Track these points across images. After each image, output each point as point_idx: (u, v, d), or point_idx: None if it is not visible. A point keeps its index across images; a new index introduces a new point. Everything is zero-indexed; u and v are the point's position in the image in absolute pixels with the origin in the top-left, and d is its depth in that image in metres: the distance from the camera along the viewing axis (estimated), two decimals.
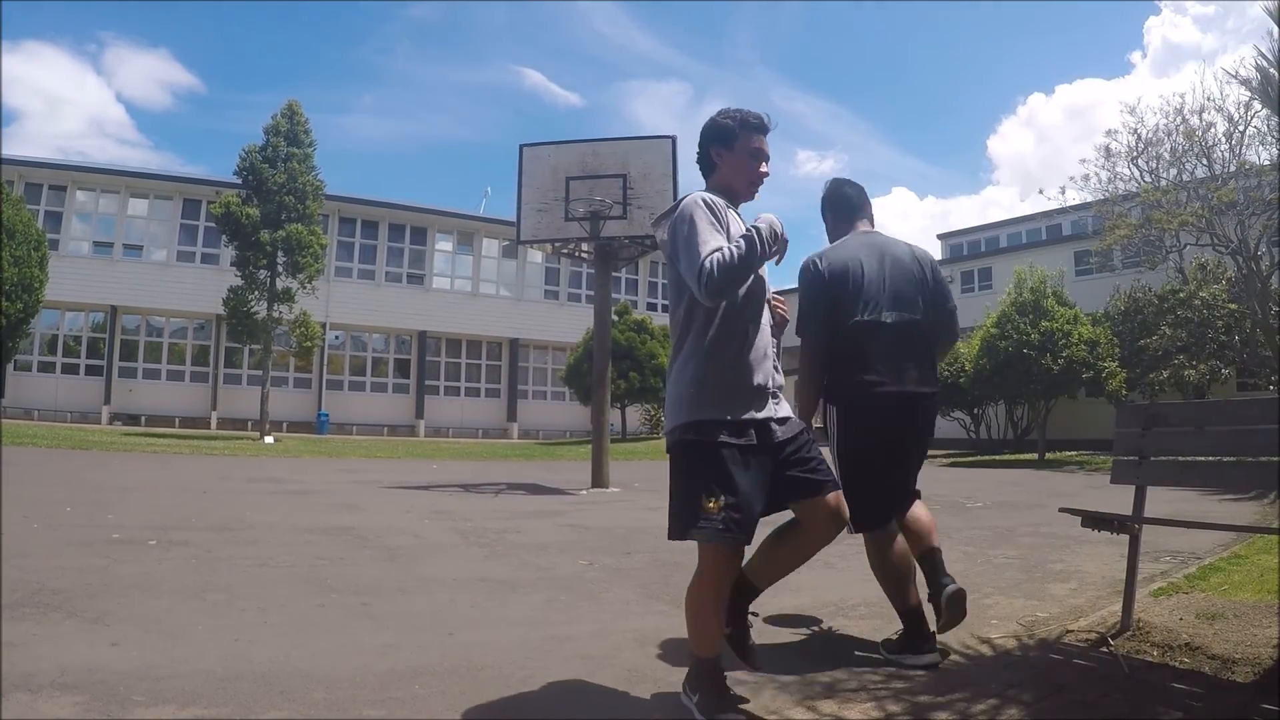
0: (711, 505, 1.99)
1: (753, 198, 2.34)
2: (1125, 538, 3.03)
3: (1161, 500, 7.27)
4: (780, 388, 2.26)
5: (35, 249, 16.51)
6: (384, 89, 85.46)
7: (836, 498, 2.23)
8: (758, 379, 2.15)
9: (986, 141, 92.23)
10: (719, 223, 2.12)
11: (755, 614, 2.38)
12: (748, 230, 2.08)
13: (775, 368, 2.27)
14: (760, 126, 2.28)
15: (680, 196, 2.22)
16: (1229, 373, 19.27)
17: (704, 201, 2.15)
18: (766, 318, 2.27)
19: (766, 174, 2.31)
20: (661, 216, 2.28)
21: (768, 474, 2.12)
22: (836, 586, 4.05)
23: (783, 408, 2.23)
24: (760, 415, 2.13)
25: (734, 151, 2.28)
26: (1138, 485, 3.18)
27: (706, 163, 2.32)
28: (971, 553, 5.20)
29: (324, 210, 20.93)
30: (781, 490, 2.16)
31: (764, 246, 2.05)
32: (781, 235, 2.11)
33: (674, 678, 2.49)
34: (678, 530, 2.08)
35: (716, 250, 2.02)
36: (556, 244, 10.59)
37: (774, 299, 2.35)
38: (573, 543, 5.34)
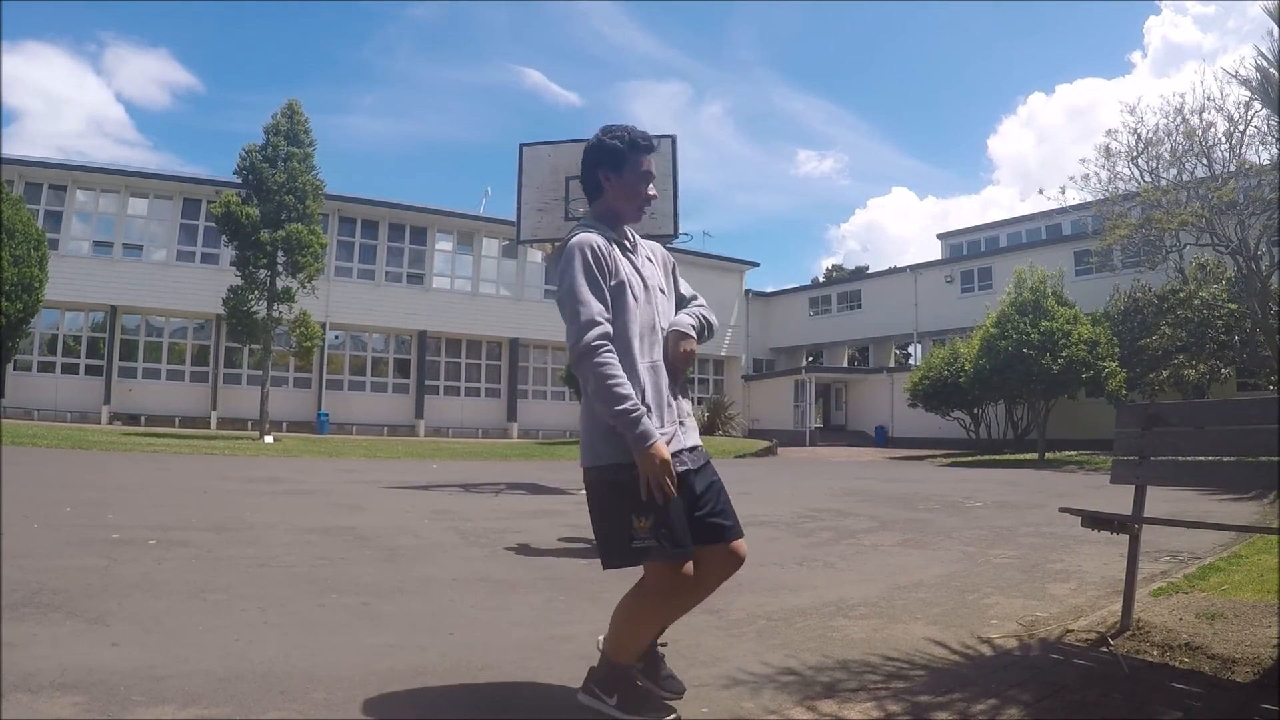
0: (641, 524, 1.97)
1: (639, 220, 2.26)
2: (1125, 538, 3.03)
3: (1161, 500, 7.28)
4: (688, 415, 2.20)
5: (35, 249, 16.49)
6: (384, 89, 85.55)
7: (741, 546, 2.17)
8: (667, 416, 2.10)
9: (986, 141, 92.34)
10: (604, 273, 2.06)
11: (665, 644, 2.34)
12: (635, 410, 1.96)
13: (680, 395, 2.20)
14: (648, 146, 2.21)
15: (573, 231, 2.14)
16: (1229, 373, 19.29)
17: (589, 252, 2.06)
18: (663, 346, 2.18)
19: (654, 196, 2.24)
20: (559, 248, 2.21)
21: (684, 502, 2.07)
22: (836, 586, 4.05)
23: (690, 436, 2.17)
24: (673, 448, 2.08)
25: (622, 175, 2.19)
26: (1138, 485, 3.19)
27: (593, 186, 2.23)
28: (971, 553, 5.20)
29: (324, 210, 20.90)
30: (696, 529, 2.09)
31: (627, 427, 1.97)
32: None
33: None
34: (612, 557, 2.05)
35: (602, 324, 2.00)
36: (556, 244, 10.58)
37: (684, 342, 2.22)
38: (572, 543, 5.34)
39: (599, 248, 2.07)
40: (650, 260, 2.25)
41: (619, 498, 2.02)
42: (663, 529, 1.98)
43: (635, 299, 2.11)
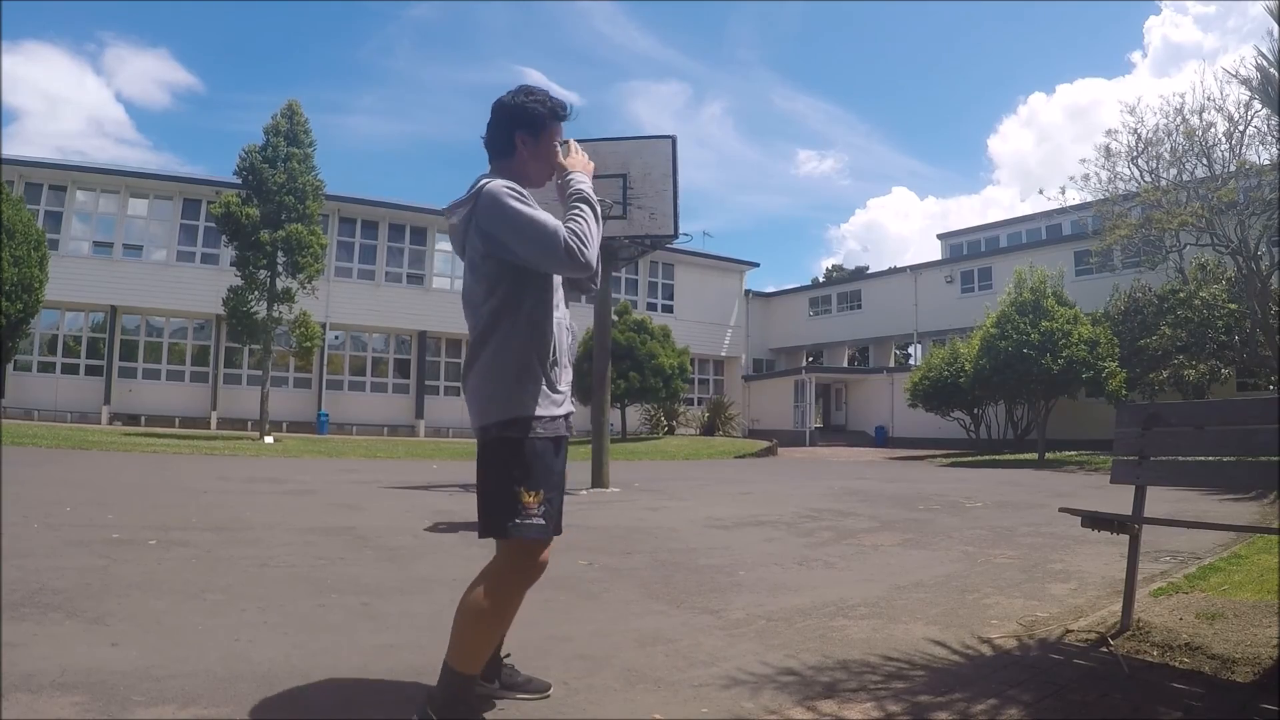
0: (530, 499, 1.93)
1: (541, 187, 2.22)
2: (1125, 538, 3.03)
3: (1161, 500, 7.29)
4: (570, 383, 2.19)
5: (35, 249, 16.48)
6: (384, 89, 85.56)
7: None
8: (566, 372, 2.11)
9: (987, 141, 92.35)
10: (531, 200, 2.04)
11: (508, 654, 2.28)
12: (580, 193, 2.09)
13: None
14: (566, 116, 2.19)
15: (478, 184, 2.06)
16: (1229, 373, 19.28)
17: (516, 189, 2.02)
18: (563, 301, 2.19)
19: (559, 162, 2.22)
20: (457, 204, 2.12)
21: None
22: (836, 586, 4.05)
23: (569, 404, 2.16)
24: (566, 410, 2.10)
25: (539, 140, 2.16)
26: (1138, 485, 3.19)
27: (505, 145, 2.15)
28: (971, 553, 5.20)
29: (324, 210, 20.90)
30: None
31: (596, 208, 2.06)
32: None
33: (675, 678, 2.50)
34: (494, 527, 1.97)
35: (559, 227, 1.96)
36: None
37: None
38: (572, 543, 5.34)
39: (515, 188, 2.03)
40: None
41: (508, 459, 1.97)
42: (550, 506, 1.96)
43: None
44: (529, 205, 1.99)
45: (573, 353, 2.19)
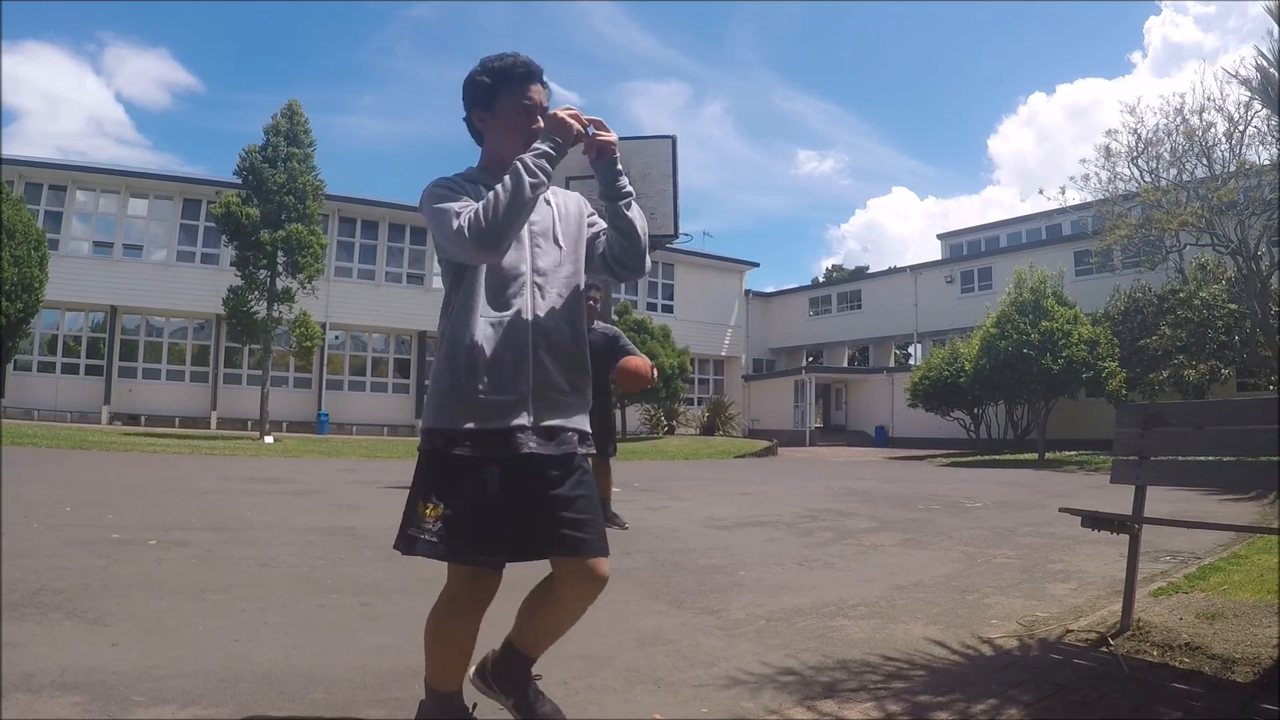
0: (428, 512, 1.76)
1: None
2: (1125, 538, 3.03)
3: (1161, 500, 7.29)
4: (563, 392, 1.85)
5: (35, 249, 16.49)
6: (384, 89, 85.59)
7: (600, 565, 1.82)
8: (517, 382, 1.78)
9: (987, 141, 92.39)
10: (454, 191, 1.82)
11: (539, 675, 2.05)
12: (513, 164, 1.74)
13: (556, 356, 1.85)
14: (526, 75, 1.86)
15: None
16: (1229, 373, 19.29)
17: (434, 184, 1.85)
18: (533, 299, 1.84)
19: (540, 127, 1.85)
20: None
21: (526, 495, 1.77)
22: (836, 586, 4.05)
23: (558, 414, 1.83)
24: (503, 424, 1.77)
25: (495, 115, 1.89)
26: (1138, 485, 3.19)
27: (473, 131, 1.96)
28: (971, 553, 5.20)
29: (324, 210, 20.90)
30: (543, 536, 1.79)
31: (530, 169, 1.72)
32: (562, 140, 1.78)
33: (674, 678, 2.50)
34: (398, 540, 1.83)
35: (465, 208, 1.74)
36: None
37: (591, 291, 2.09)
38: None
39: (448, 181, 1.86)
40: (548, 204, 1.93)
41: (418, 472, 1.84)
42: (450, 524, 1.73)
43: None
44: (446, 194, 1.80)
45: (564, 341, 1.86)
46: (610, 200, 1.88)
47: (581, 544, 1.78)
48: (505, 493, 1.74)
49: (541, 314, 1.83)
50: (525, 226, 1.83)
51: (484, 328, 1.78)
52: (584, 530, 1.79)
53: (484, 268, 1.80)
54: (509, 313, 1.80)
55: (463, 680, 1.89)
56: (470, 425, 1.75)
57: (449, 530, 1.73)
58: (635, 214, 1.88)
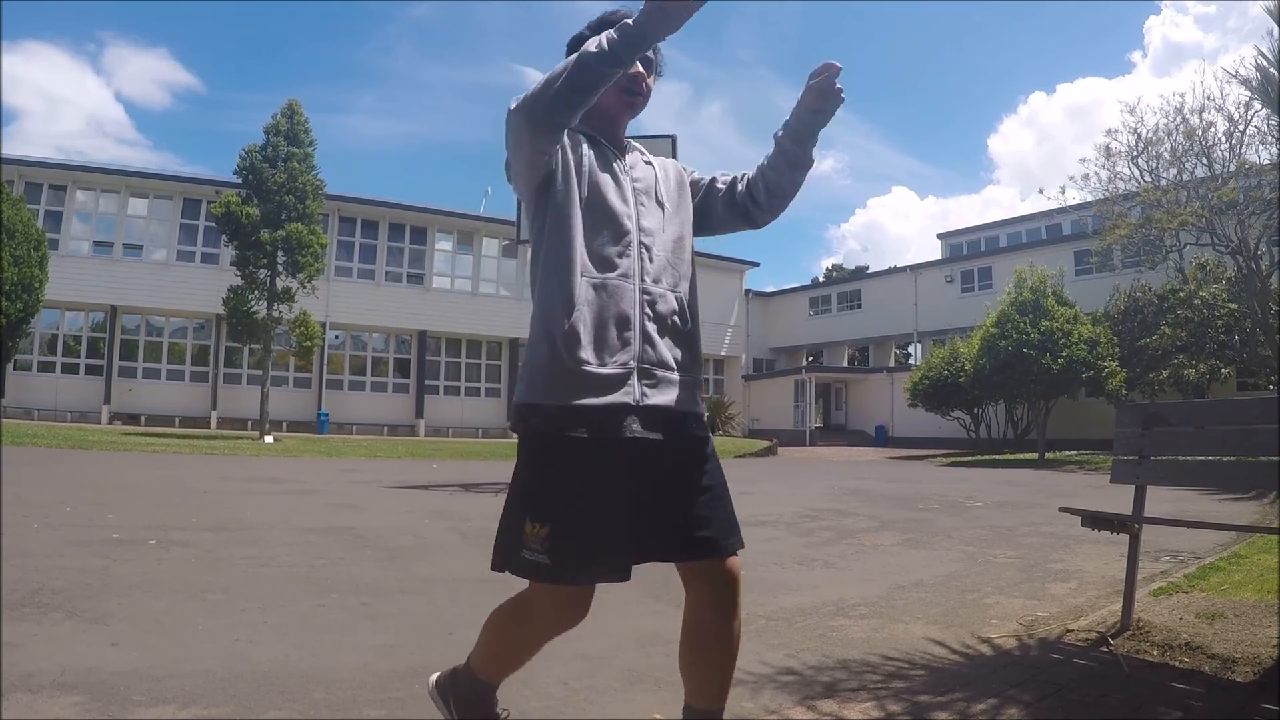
0: (534, 530, 1.49)
1: (636, 110, 1.71)
2: (1125, 538, 3.03)
3: (1161, 500, 7.29)
4: (670, 369, 1.60)
5: (35, 249, 16.50)
6: (384, 89, 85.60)
7: (733, 564, 1.59)
8: (620, 353, 1.54)
9: (987, 141, 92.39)
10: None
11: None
12: (608, 36, 1.45)
13: (662, 328, 1.61)
14: (611, 21, 1.57)
15: None
16: (1229, 372, 19.29)
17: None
18: (640, 261, 1.61)
19: (640, 75, 1.64)
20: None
21: (637, 487, 1.52)
22: (836, 586, 4.05)
23: (670, 393, 1.58)
24: (609, 400, 1.51)
25: None
26: (1138, 485, 3.19)
27: None
28: (971, 553, 5.20)
29: (324, 210, 20.90)
30: (656, 537, 1.55)
31: (612, 47, 1.42)
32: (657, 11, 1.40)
33: (674, 678, 2.48)
34: (496, 559, 1.56)
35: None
36: None
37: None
38: None
39: None
40: (648, 165, 1.73)
41: (520, 467, 1.57)
42: (559, 541, 1.47)
43: (594, 189, 1.59)
44: None
45: (649, 326, 1.59)
46: (805, 140, 1.73)
47: (703, 544, 1.56)
48: (618, 486, 1.50)
49: (649, 279, 1.61)
50: (629, 183, 1.65)
51: (585, 290, 1.54)
52: (706, 528, 1.56)
53: (581, 218, 1.56)
54: (613, 274, 1.57)
55: (504, 679, 1.78)
56: (573, 401, 1.50)
57: (557, 542, 1.47)
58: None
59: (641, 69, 1.65)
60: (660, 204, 1.69)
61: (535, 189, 1.60)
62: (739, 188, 1.81)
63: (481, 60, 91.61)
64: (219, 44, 74.12)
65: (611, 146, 1.69)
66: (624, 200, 1.63)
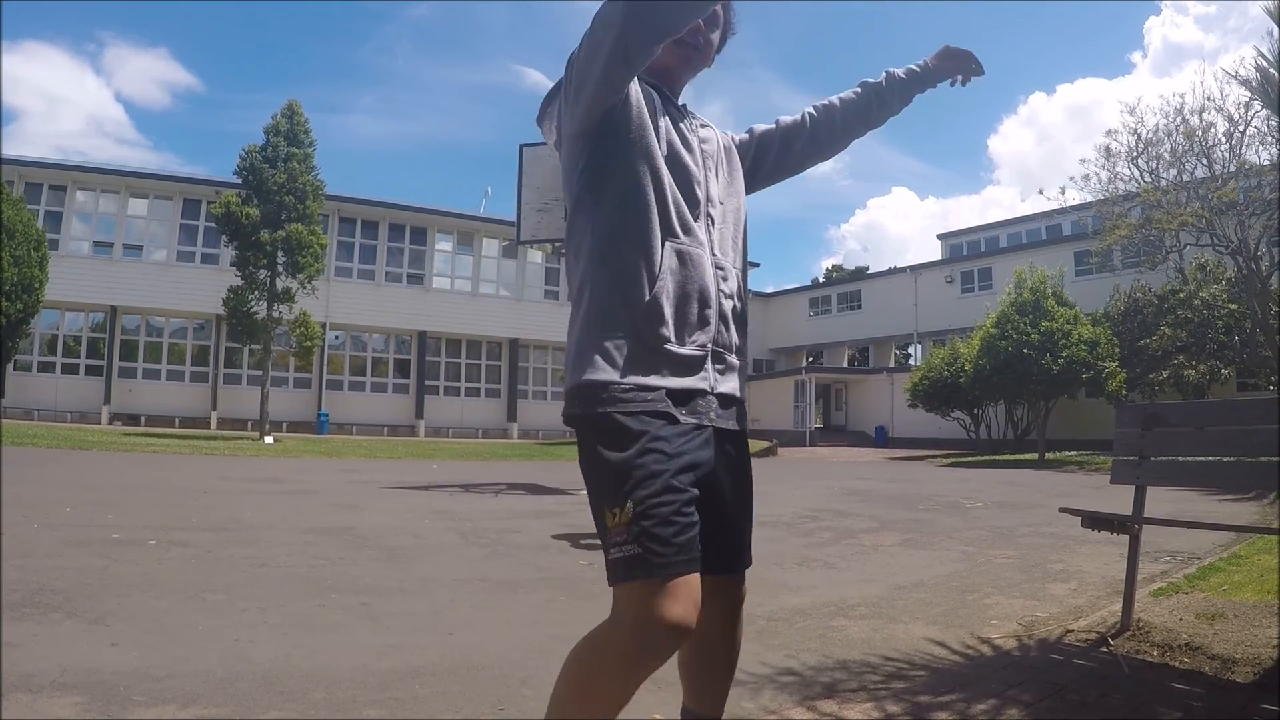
0: (612, 519, 1.23)
1: (694, 67, 1.52)
2: (1125, 538, 3.03)
3: (1161, 500, 7.29)
4: (736, 349, 1.45)
5: (35, 249, 16.51)
6: (384, 89, 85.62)
7: (742, 580, 1.48)
8: (700, 334, 1.36)
9: (987, 141, 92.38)
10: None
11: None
12: None
13: (728, 314, 1.43)
14: None
15: None
16: (1229, 373, 19.29)
17: None
18: (707, 229, 1.42)
19: (699, 28, 1.46)
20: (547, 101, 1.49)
21: (706, 483, 1.32)
22: (836, 586, 4.05)
23: (733, 380, 1.43)
24: (687, 383, 1.33)
25: None
26: (1138, 485, 3.18)
27: None
28: (971, 553, 5.20)
29: (324, 210, 20.93)
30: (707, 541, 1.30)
31: None
32: None
33: (674, 678, 2.48)
34: (607, 569, 1.26)
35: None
36: (556, 244, 10.60)
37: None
38: (572, 543, 5.34)
39: None
40: (707, 129, 1.55)
41: (586, 454, 1.31)
42: (645, 522, 1.19)
43: (672, 145, 1.39)
44: None
45: (724, 304, 1.41)
46: (910, 91, 1.73)
47: (740, 555, 1.43)
48: (692, 472, 1.28)
49: (717, 250, 1.43)
50: (696, 143, 1.46)
51: (670, 256, 1.33)
52: (738, 539, 1.43)
53: (658, 177, 1.35)
54: (692, 240, 1.38)
55: None
56: (652, 379, 1.29)
57: (650, 535, 1.19)
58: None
59: (701, 22, 1.45)
60: (722, 173, 1.53)
61: (588, 132, 1.35)
62: (797, 126, 1.67)
63: (481, 60, 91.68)
64: (219, 44, 74.15)
65: (676, 107, 1.49)
66: (696, 163, 1.44)
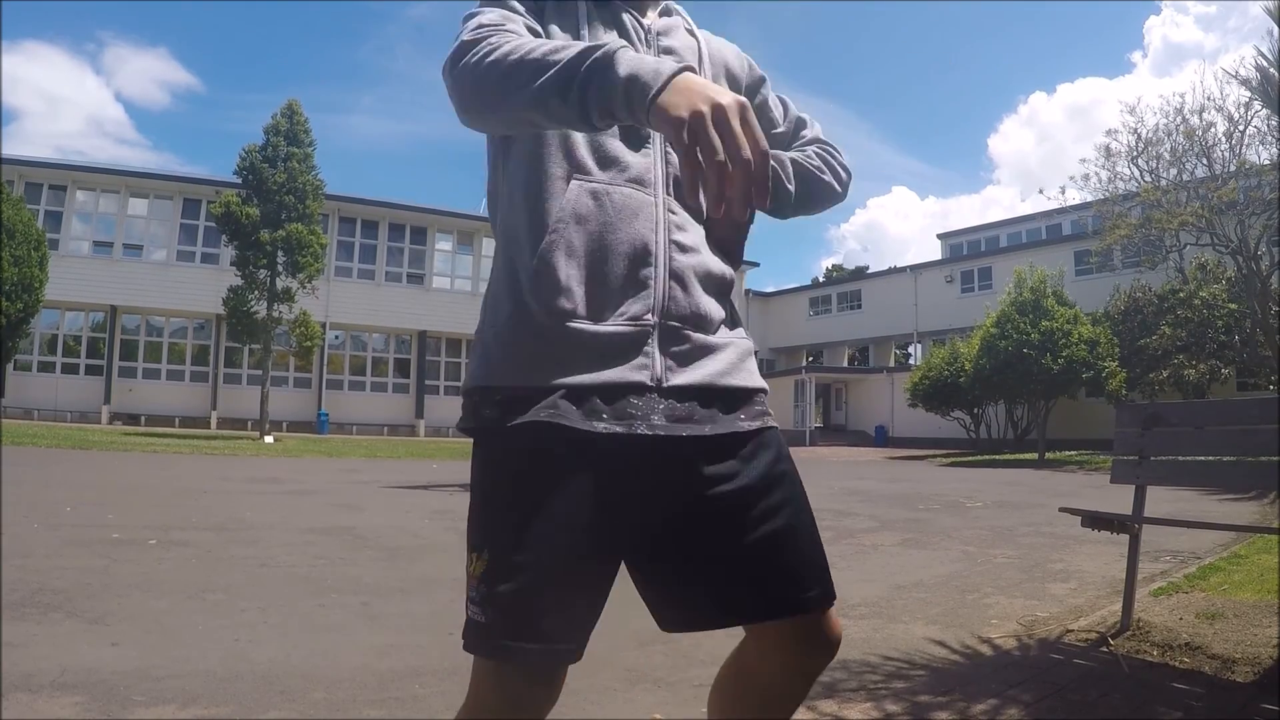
0: (469, 564, 0.98)
1: None
2: (1125, 538, 3.03)
3: (1161, 500, 7.28)
4: (710, 321, 1.00)
5: (35, 249, 16.51)
6: (384, 89, 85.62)
7: (834, 622, 1.04)
8: (605, 290, 0.94)
9: (987, 141, 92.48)
10: (515, 12, 1.05)
11: None
12: (584, 50, 0.82)
13: (685, 272, 0.98)
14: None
15: None
16: (1229, 373, 19.29)
17: None
18: (663, 164, 1.00)
19: None
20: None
21: (655, 512, 0.96)
22: (836, 586, 4.05)
23: (704, 366, 0.98)
24: (608, 376, 0.92)
25: None
26: (1138, 485, 3.18)
27: None
28: (971, 553, 5.20)
29: (324, 210, 20.94)
30: (707, 589, 0.98)
31: (588, 75, 0.80)
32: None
33: (674, 677, 2.50)
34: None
35: (494, 34, 0.98)
36: None
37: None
38: None
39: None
40: (690, 35, 1.15)
41: (473, 477, 1.00)
42: (500, 584, 0.91)
43: None
44: (494, 13, 1.10)
45: (676, 259, 0.98)
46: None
47: (788, 593, 0.98)
48: (605, 514, 0.93)
49: (672, 186, 1.01)
50: (654, 52, 1.06)
51: (576, 196, 0.95)
52: (788, 569, 0.98)
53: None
54: (623, 177, 0.98)
55: None
56: (549, 381, 0.92)
57: (500, 600, 0.92)
58: (804, 181, 1.12)
59: None
60: None
61: None
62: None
63: None
64: (219, 44, 74.19)
65: (632, 26, 1.06)
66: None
